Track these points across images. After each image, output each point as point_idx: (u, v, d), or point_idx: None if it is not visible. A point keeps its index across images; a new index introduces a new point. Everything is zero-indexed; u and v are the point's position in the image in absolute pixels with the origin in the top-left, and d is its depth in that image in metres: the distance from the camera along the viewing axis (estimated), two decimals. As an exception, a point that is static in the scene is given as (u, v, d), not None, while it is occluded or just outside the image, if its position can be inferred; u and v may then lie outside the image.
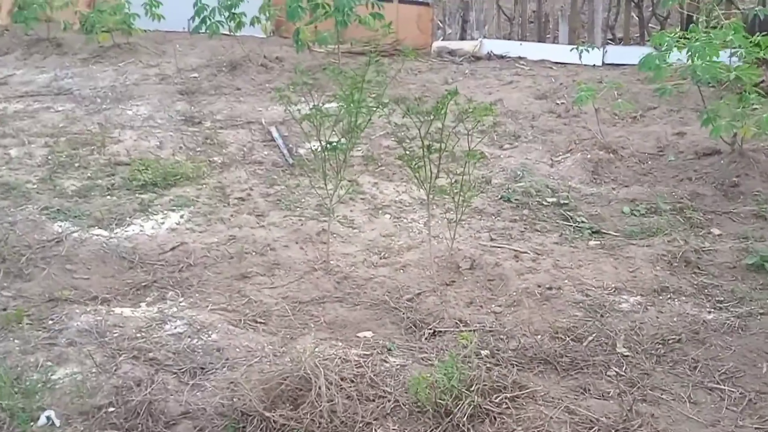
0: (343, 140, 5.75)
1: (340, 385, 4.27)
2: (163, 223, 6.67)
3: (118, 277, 5.86)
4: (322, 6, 10.63)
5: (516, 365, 4.66)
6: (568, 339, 5.00)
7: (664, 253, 6.14)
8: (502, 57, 12.31)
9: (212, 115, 9.46)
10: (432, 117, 5.47)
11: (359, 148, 8.01)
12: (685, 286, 5.72)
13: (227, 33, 11.56)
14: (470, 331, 5.03)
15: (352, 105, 5.55)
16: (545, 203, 7.22)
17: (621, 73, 10.87)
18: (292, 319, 5.30)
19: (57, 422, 4.12)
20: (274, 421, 4.07)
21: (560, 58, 11.82)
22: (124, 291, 5.65)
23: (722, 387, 4.53)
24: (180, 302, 5.46)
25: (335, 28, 10.62)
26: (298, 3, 10.58)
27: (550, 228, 6.76)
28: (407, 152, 5.68)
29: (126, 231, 6.51)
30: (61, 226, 6.51)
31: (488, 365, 4.58)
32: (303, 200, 7.22)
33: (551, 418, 4.17)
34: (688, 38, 7.41)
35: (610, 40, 13.63)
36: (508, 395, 4.29)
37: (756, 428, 4.23)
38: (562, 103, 9.79)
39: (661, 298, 5.55)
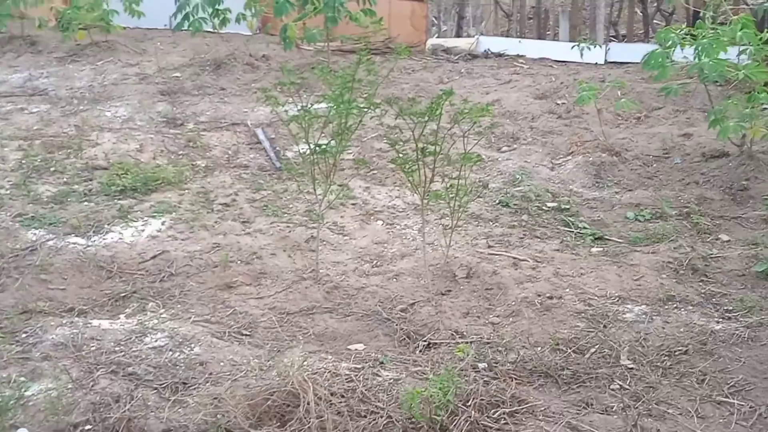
0: (332, 143, 5.75)
1: (330, 401, 4.26)
2: (143, 230, 6.66)
3: (96, 287, 5.84)
4: (311, 2, 10.65)
5: (515, 379, 4.65)
6: (569, 351, 5.00)
7: (670, 261, 6.16)
8: (499, 55, 12.36)
9: (195, 116, 9.46)
10: (426, 118, 5.47)
11: (350, 151, 8.02)
12: (692, 294, 5.73)
13: (211, 30, 11.58)
14: (467, 342, 5.03)
15: (342, 106, 5.55)
16: (545, 208, 7.23)
17: (624, 71, 10.92)
18: (279, 331, 5.29)
19: (31, 441, 4.10)
20: (260, 438, 4.05)
21: (561, 56, 11.87)
22: (102, 302, 5.63)
23: (731, 400, 4.54)
24: (161, 314, 5.44)
25: (325, 25, 10.65)
26: (285, -2, 10.60)
27: (551, 234, 6.77)
28: (400, 155, 5.69)
29: (104, 239, 6.49)
30: (35, 234, 6.49)
31: (486, 379, 4.58)
32: (291, 206, 7.21)
33: (552, 434, 4.17)
34: (695, 35, 7.45)
35: (612, 37, 13.69)
36: (507, 410, 4.29)
37: (767, 444, 4.24)
38: (563, 103, 9.82)
39: (666, 307, 5.56)
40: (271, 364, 4.76)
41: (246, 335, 5.22)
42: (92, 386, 4.51)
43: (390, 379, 4.63)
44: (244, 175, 7.94)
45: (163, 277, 5.97)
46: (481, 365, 4.77)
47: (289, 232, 6.65)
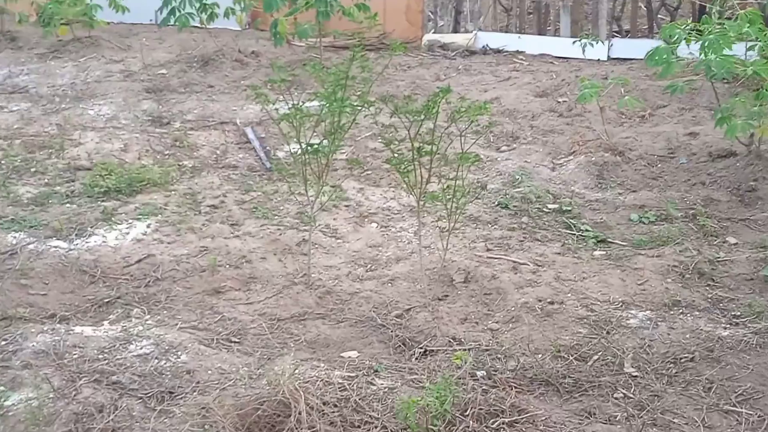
0: (325, 142, 5.74)
1: (323, 410, 4.26)
2: (127, 233, 6.65)
3: (79, 292, 5.83)
4: (303, -5, 10.65)
5: (515, 387, 4.65)
6: (571, 358, 5.00)
7: (676, 264, 6.16)
8: (498, 51, 12.36)
9: (182, 115, 9.45)
10: (422, 117, 5.48)
11: (343, 151, 8.01)
12: (699, 299, 5.74)
13: (198, 25, 11.57)
14: (465, 350, 5.02)
15: (335, 104, 5.55)
16: (546, 210, 7.24)
17: (628, 68, 10.93)
18: (269, 337, 5.28)
19: (10, 453, 4.09)
20: (249, 450, 4.05)
21: (562, 53, 11.88)
22: (84, 308, 5.62)
23: (739, 409, 4.54)
24: (146, 320, 5.43)
25: (317, 20, 10.64)
26: (276, -8, 10.59)
27: (552, 237, 6.77)
28: (395, 155, 5.69)
29: (87, 242, 6.48)
30: (15, 237, 6.47)
31: (484, 387, 4.58)
32: (282, 208, 7.21)
33: (553, 444, 4.18)
34: (701, 30, 7.46)
35: (615, 32, 13.71)
36: (506, 420, 4.29)
37: (776, 454, 4.24)
38: (564, 101, 9.83)
39: (672, 313, 5.57)
40: (261, 372, 4.76)
41: (235, 342, 5.22)
42: (75, 396, 4.50)
43: (385, 387, 4.62)
44: (233, 176, 7.93)
45: (149, 282, 5.96)
46: (479, 373, 4.77)
47: (280, 234, 6.65)
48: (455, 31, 13.77)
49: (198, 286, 5.91)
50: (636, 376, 4.84)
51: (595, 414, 4.49)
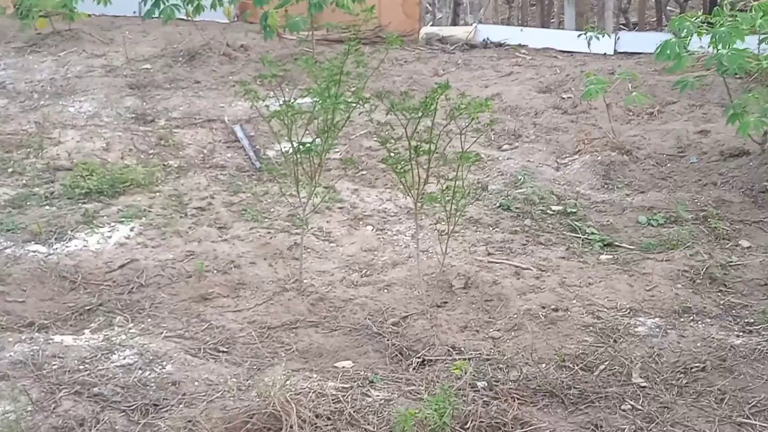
0: (318, 141, 5.74)
1: (315, 424, 4.26)
2: (110, 237, 6.64)
3: (58, 299, 5.82)
4: (294, -14, 10.65)
5: (517, 398, 4.65)
6: (576, 368, 5.00)
7: (686, 269, 6.17)
8: (499, 45, 12.37)
9: (167, 112, 9.44)
10: (420, 114, 5.47)
11: (337, 150, 8.01)
12: (710, 306, 5.74)
13: (184, 18, 11.56)
14: (465, 359, 5.02)
15: (328, 100, 5.54)
16: (550, 212, 7.24)
17: (635, 62, 10.94)
18: (259, 347, 5.28)
19: (-14, 469, 4.08)
20: (238, 465, 4.05)
21: (566, 46, 11.89)
22: (64, 316, 5.61)
23: (753, 422, 4.54)
24: (129, 328, 5.42)
25: (308, 12, 10.63)
26: (266, -17, 10.59)
27: (556, 240, 6.77)
28: (392, 154, 5.68)
29: (67, 246, 6.47)
30: (-9, 241, 6.47)
31: (485, 399, 4.58)
32: (272, 210, 7.20)
33: (558, 459, 4.18)
34: (712, 23, 7.47)
35: (622, 25, 13.73)
36: (509, 433, 4.29)
37: (792, 469, 4.24)
38: (569, 97, 9.84)
39: (682, 320, 5.57)
40: (251, 383, 4.75)
41: (223, 352, 5.21)
42: (54, 408, 4.49)
43: (381, 399, 4.62)
44: (221, 177, 7.93)
45: (132, 288, 5.95)
46: (480, 384, 4.77)
47: (270, 238, 6.64)
48: (454, 23, 13.78)
49: (184, 293, 5.90)
50: (645, 387, 4.84)
51: (601, 427, 4.49)
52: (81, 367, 4.89)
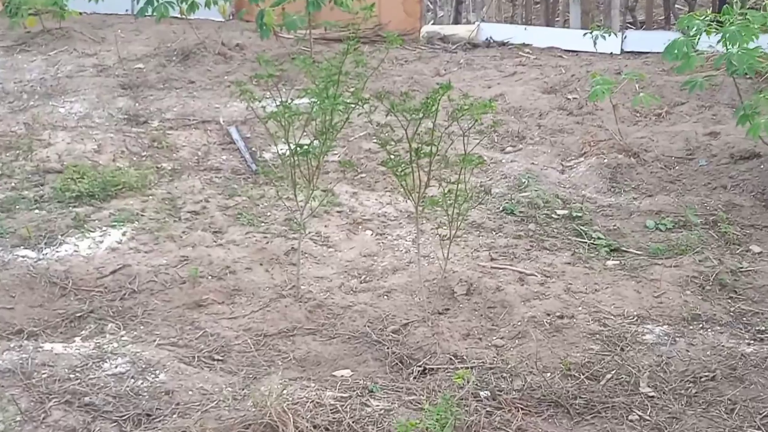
0: (315, 143, 5.74)
1: (313, 434, 4.26)
2: (101, 241, 6.64)
3: (48, 306, 5.82)
4: (291, -16, 10.65)
5: (521, 408, 4.65)
6: (582, 377, 5.00)
7: (695, 275, 6.17)
8: (503, 44, 12.38)
9: (160, 113, 9.44)
10: (421, 115, 5.48)
11: (335, 152, 8.01)
12: (720, 313, 5.74)
13: (178, 16, 11.57)
14: (467, 368, 5.02)
15: (326, 101, 5.55)
16: (555, 216, 7.25)
17: (643, 62, 10.95)
18: (255, 355, 5.28)
19: (-26, 481, 4.08)
20: (234, 477, 4.04)
21: (571, 45, 11.89)
22: (54, 323, 5.61)
23: (764, 433, 4.55)
24: (122, 336, 5.42)
25: (306, 10, 10.63)
26: (262, -20, 10.60)
27: (561, 245, 6.78)
28: (392, 157, 5.69)
29: (57, 251, 6.47)
30: (-21, 246, 6.47)
31: (488, 409, 4.58)
32: (269, 214, 7.20)
33: (563, 471, 4.18)
34: (722, 21, 7.47)
35: (630, 23, 13.74)
36: (513, 444, 4.29)
37: (804, 481, 4.24)
38: (574, 98, 9.84)
39: (691, 328, 5.57)
40: (246, 392, 4.75)
41: (218, 360, 5.21)
42: (44, 419, 4.49)
43: (380, 409, 4.62)
44: (216, 179, 7.93)
45: (124, 294, 5.95)
46: (483, 393, 4.77)
47: (267, 243, 6.64)
48: (456, 22, 13.77)
49: (178, 299, 5.90)
50: (653, 397, 4.84)
51: (608, 438, 4.49)
52: (71, 375, 4.89)
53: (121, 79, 10.35)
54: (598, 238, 6.85)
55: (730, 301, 5.91)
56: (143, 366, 5.00)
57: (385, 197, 7.55)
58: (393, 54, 11.17)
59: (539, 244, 6.79)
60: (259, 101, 5.78)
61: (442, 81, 7.34)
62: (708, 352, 5.26)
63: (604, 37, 10.44)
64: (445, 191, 5.80)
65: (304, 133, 5.80)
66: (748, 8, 8.25)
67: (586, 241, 6.84)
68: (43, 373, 4.89)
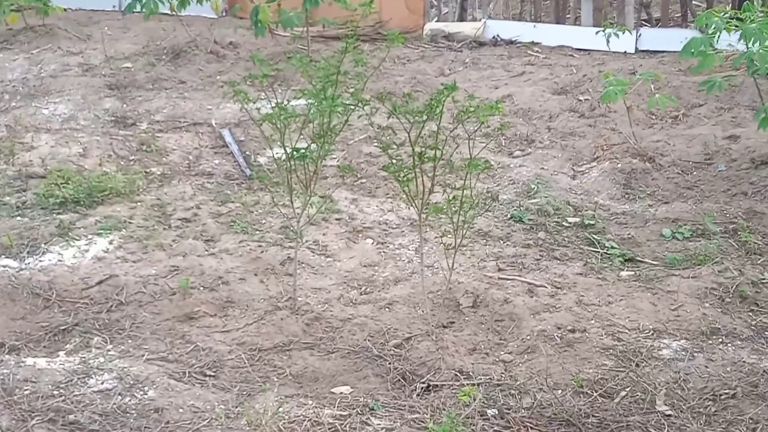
0: (313, 146, 5.75)
1: (311, 455, 4.26)
2: (87, 250, 6.64)
3: (31, 318, 5.81)
4: (287, -22, 10.68)
5: (531, 428, 4.65)
6: (595, 394, 5.00)
7: (714, 287, 6.17)
8: (510, 42, 12.41)
9: (149, 114, 9.45)
10: (425, 117, 5.48)
11: (334, 156, 8.01)
12: (741, 327, 5.74)
13: (168, 12, 11.59)
14: (473, 385, 5.02)
15: (324, 102, 5.55)
16: (566, 224, 7.25)
17: (658, 61, 10.97)
18: (249, 371, 5.27)
19: (-49, 504, 4.07)
20: (226, 500, 4.04)
21: (583, 44, 11.92)
22: (37, 336, 5.60)
23: (788, 453, 4.55)
24: (108, 350, 5.42)
25: (303, 7, 10.66)
26: (257, -25, 10.62)
27: (573, 255, 6.78)
28: (394, 161, 5.69)
29: (40, 261, 6.47)
30: (-42, 255, 6.48)
31: (496, 428, 4.57)
32: (263, 221, 7.21)
33: (575, 494, 4.18)
34: (742, 18, 7.48)
35: (644, 21, 13.76)
36: (522, 466, 4.29)
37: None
38: (586, 99, 9.86)
39: (710, 342, 5.57)
40: (240, 410, 4.75)
41: (210, 376, 5.20)
42: (26, 438, 4.49)
43: (382, 428, 4.62)
44: (208, 185, 7.93)
45: (111, 306, 5.94)
46: (490, 412, 4.76)
47: (262, 252, 6.65)
48: (462, 19, 13.82)
49: (167, 312, 5.90)
50: (669, 415, 4.84)
51: (623, 459, 4.49)
52: (55, 392, 4.89)
53: (108, 79, 10.36)
54: (612, 248, 6.86)
55: (751, 314, 5.91)
56: (131, 382, 5.00)
57: (386, 204, 7.55)
58: (395, 53, 11.18)
59: (549, 253, 6.79)
60: (254, 102, 5.78)
61: (446, 81, 7.35)
62: (728, 368, 5.25)
63: (617, 35, 10.48)
64: (450, 198, 5.80)
65: (301, 137, 5.81)
66: (770, 5, 8.26)
67: (598, 250, 6.84)
68: (26, 390, 4.88)
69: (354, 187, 7.88)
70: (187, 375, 5.18)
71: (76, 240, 6.78)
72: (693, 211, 7.46)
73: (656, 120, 9.35)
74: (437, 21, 13.51)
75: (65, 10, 12.20)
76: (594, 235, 7.05)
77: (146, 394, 4.89)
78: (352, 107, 5.63)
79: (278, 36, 11.96)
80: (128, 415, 4.71)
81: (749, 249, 6.81)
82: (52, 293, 6.06)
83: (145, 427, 4.60)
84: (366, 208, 7.47)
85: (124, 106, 9.64)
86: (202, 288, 6.16)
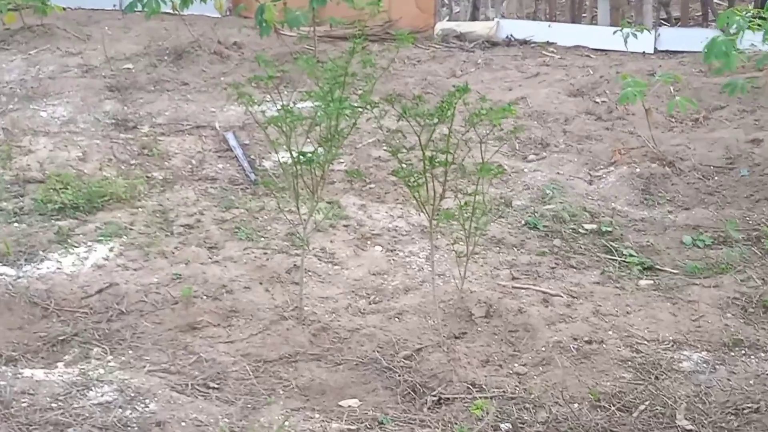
0: (320, 150, 5.75)
1: (318, 470, 4.26)
2: (86, 258, 6.65)
3: (28, 328, 5.83)
4: (294, -23, 10.69)
5: (546, 443, 4.65)
6: (613, 408, 4.99)
7: (737, 296, 6.16)
8: (524, 42, 12.40)
9: (151, 117, 9.47)
10: (436, 120, 5.48)
11: (341, 161, 8.02)
12: (764, 338, 5.72)
13: (170, 11, 11.60)
14: (486, 398, 5.02)
15: (331, 105, 5.56)
16: (582, 231, 7.24)
17: (678, 62, 10.95)
18: (254, 383, 5.28)
19: None
20: None
21: (600, 44, 11.90)
22: (35, 347, 5.61)
23: (814, 470, 4.53)
24: (108, 361, 5.43)
25: (310, 6, 10.67)
26: (262, -27, 10.64)
27: (589, 263, 6.77)
28: (403, 166, 5.69)
29: (38, 268, 6.49)
30: (-47, 263, 6.50)
31: (510, 443, 4.57)
32: (269, 228, 7.21)
33: None
34: (765, 17, 7.47)
35: (663, 20, 13.73)
36: (536, 482, 4.29)
37: None
38: (603, 101, 9.85)
39: (733, 354, 5.55)
40: (245, 424, 4.76)
41: (213, 388, 5.21)
42: (23, 452, 4.50)
43: (391, 443, 4.62)
44: (212, 190, 7.94)
45: (111, 316, 5.96)
46: (504, 426, 4.76)
47: (267, 260, 6.65)
48: (474, 18, 13.80)
49: (170, 321, 5.91)
50: (690, 430, 4.83)
51: (641, 475, 4.48)
52: (54, 405, 4.90)
53: (109, 81, 10.38)
54: (630, 256, 6.84)
55: (775, 324, 5.90)
56: (132, 394, 5.00)
57: (396, 210, 7.55)
58: (404, 53, 11.18)
59: (565, 261, 6.78)
60: (259, 105, 5.79)
61: (458, 83, 7.34)
62: (751, 381, 5.24)
63: (635, 35, 10.46)
64: (462, 203, 5.80)
65: (308, 140, 5.81)
66: (794, 3, 8.25)
67: (616, 258, 6.83)
68: (23, 402, 4.89)
69: (362, 193, 7.88)
70: (189, 387, 5.19)
71: (76, 247, 6.80)
72: (714, 217, 7.45)
73: (676, 123, 9.34)
74: (448, 20, 13.48)
75: (64, 9, 12.22)
76: (611, 243, 7.03)
77: (147, 406, 4.90)
78: (361, 110, 5.64)
79: (284, 36, 11.96)
80: (129, 428, 4.71)
81: (773, 257, 6.80)
82: (51, 302, 6.07)
83: (147, 441, 4.61)
84: (375, 214, 7.47)
85: (125, 108, 9.66)
86: (205, 297, 6.16)
